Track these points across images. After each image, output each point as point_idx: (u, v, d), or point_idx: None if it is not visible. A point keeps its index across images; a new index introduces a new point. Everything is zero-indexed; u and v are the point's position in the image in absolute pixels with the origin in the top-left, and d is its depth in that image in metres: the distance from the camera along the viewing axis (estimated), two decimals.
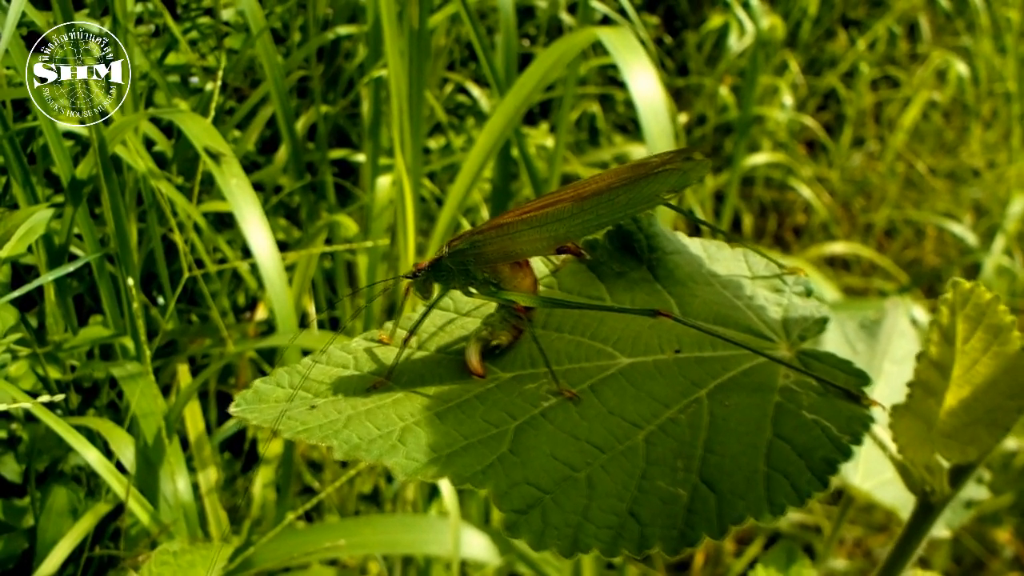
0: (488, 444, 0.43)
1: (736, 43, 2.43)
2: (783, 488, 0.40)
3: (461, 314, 0.54)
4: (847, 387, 0.45)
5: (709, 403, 0.45)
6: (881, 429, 0.50)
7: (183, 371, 1.36)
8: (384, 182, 1.58)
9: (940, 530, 0.74)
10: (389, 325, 0.53)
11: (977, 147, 2.64)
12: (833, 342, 0.84)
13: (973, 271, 2.22)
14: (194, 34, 1.75)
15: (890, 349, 0.84)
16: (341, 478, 1.13)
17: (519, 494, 0.41)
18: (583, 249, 0.55)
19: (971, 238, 2.19)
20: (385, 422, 0.45)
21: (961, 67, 2.60)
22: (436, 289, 0.54)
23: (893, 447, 0.48)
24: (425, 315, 0.52)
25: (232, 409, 0.47)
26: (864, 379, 0.46)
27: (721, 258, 0.55)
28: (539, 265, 0.56)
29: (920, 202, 2.50)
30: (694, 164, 0.50)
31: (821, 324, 0.50)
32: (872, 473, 0.79)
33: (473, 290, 0.53)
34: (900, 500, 0.76)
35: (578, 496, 0.41)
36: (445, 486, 1.18)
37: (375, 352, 0.52)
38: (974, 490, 0.77)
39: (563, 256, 0.56)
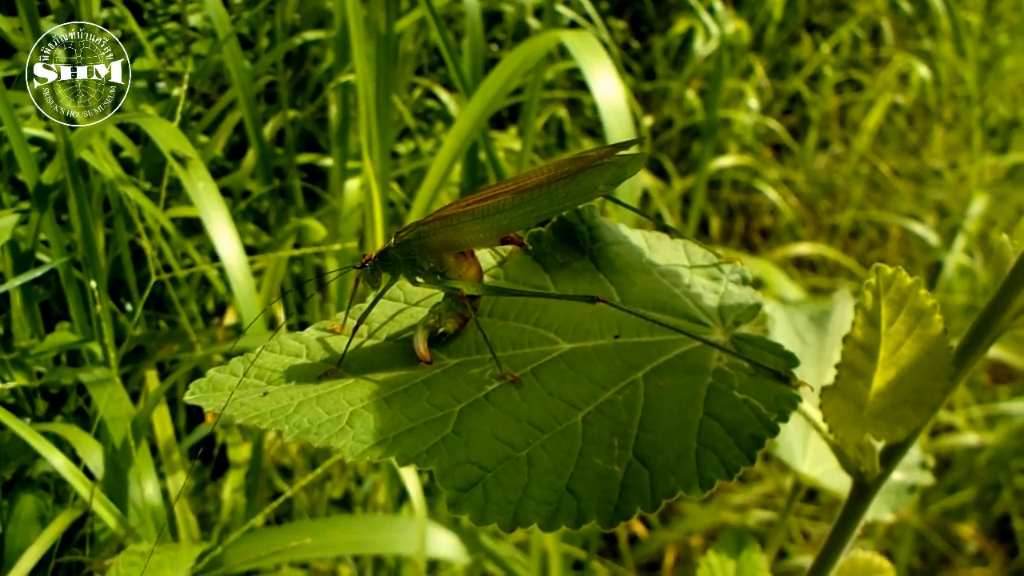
0: (433, 426, 0.45)
1: (702, 47, 2.46)
2: (712, 463, 0.42)
3: (410, 304, 0.56)
4: (776, 368, 0.47)
5: (645, 385, 0.47)
6: (817, 413, 0.52)
7: (151, 377, 1.36)
8: (353, 186, 1.59)
9: (882, 513, 0.76)
10: (340, 315, 0.55)
11: (939, 149, 2.68)
12: (783, 335, 0.87)
13: (935, 270, 2.25)
14: (161, 40, 1.75)
15: (839, 339, 0.86)
16: (309, 478, 1.14)
17: (462, 473, 0.43)
18: (526, 240, 0.57)
19: (933, 238, 2.23)
20: (335, 407, 0.47)
21: (923, 70, 2.64)
22: (384, 278, 0.55)
23: (825, 427, 0.50)
24: (373, 304, 0.54)
25: (187, 397, 0.48)
26: (792, 360, 0.48)
27: (661, 248, 0.57)
28: (487, 256, 0.58)
29: (884, 203, 2.54)
30: (631, 157, 0.52)
31: (755, 310, 0.52)
32: (819, 460, 0.82)
33: (420, 279, 0.55)
34: (844, 486, 0.78)
35: (518, 474, 0.43)
36: (412, 487, 1.19)
37: (327, 341, 0.54)
38: (918, 474, 0.79)
39: (509, 247, 0.58)
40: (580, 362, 0.49)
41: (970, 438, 1.83)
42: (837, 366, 0.47)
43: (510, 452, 0.44)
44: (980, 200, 2.19)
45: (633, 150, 0.53)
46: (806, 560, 1.80)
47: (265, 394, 0.48)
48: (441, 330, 0.52)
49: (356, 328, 0.52)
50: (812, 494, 1.87)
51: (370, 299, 0.54)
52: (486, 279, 0.55)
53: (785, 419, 0.44)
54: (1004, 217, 2.46)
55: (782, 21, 2.78)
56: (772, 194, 2.40)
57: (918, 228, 2.28)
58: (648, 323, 0.50)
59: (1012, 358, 1.90)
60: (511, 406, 0.46)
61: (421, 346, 0.50)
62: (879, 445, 0.52)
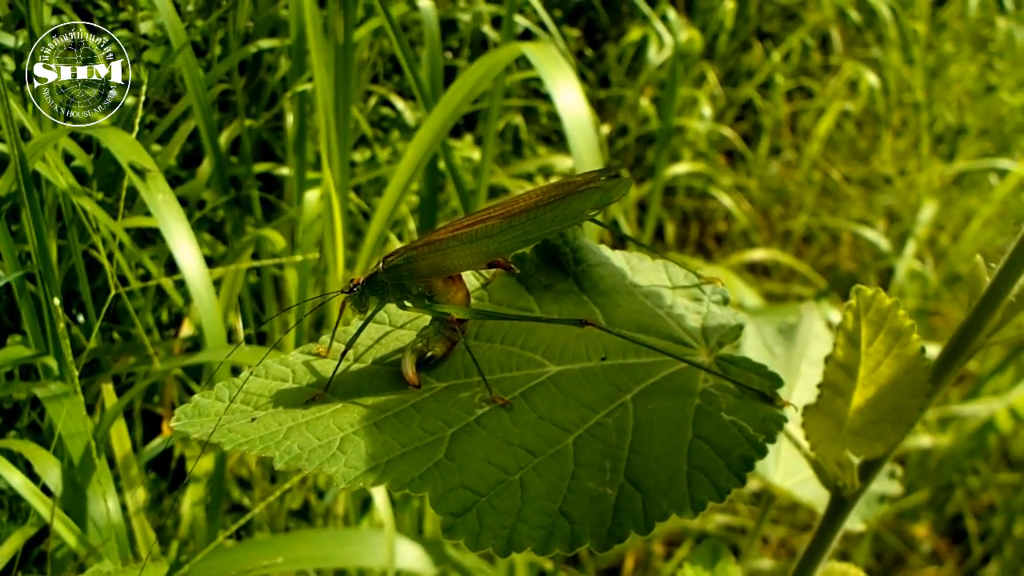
0: (425, 451, 0.45)
1: (656, 56, 2.48)
2: (704, 485, 0.43)
3: (396, 327, 0.56)
4: (762, 389, 0.48)
5: (634, 407, 0.48)
6: (796, 428, 0.53)
7: (108, 390, 1.34)
8: (312, 196, 1.58)
9: (855, 523, 0.77)
10: (326, 339, 0.55)
11: (888, 155, 2.73)
12: (752, 347, 0.88)
13: (887, 275, 2.30)
14: (112, 48, 1.72)
15: (807, 352, 0.88)
16: (273, 494, 1.13)
17: (456, 498, 0.43)
18: (512, 263, 0.57)
19: (884, 243, 2.27)
20: (325, 432, 0.47)
21: (872, 78, 2.69)
22: (372, 303, 0.55)
23: (807, 445, 0.51)
24: (362, 328, 0.54)
25: (172, 424, 0.48)
26: (777, 381, 0.49)
27: (643, 269, 0.58)
28: (471, 279, 0.58)
29: (835, 209, 2.58)
30: (616, 182, 0.53)
31: (737, 331, 0.52)
32: (792, 472, 0.83)
33: (408, 304, 0.55)
34: (818, 496, 0.80)
35: (512, 498, 0.43)
36: (379, 497, 1.19)
37: (313, 365, 0.53)
38: (887, 484, 0.81)
39: (494, 270, 0.58)
40: (569, 385, 0.50)
41: (923, 440, 1.87)
42: (819, 385, 0.48)
43: (503, 476, 0.44)
44: (929, 206, 2.23)
45: (623, 174, 0.54)
46: (764, 563, 1.82)
47: (253, 420, 0.48)
48: (429, 354, 0.52)
49: (345, 352, 0.52)
50: (761, 494, 1.89)
51: (355, 323, 0.54)
52: (472, 302, 0.56)
53: (773, 440, 0.45)
54: (952, 222, 2.52)
55: (733, 30, 2.81)
56: (726, 200, 2.43)
57: (869, 234, 2.32)
58: (634, 345, 0.51)
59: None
60: (502, 430, 0.47)
61: (410, 370, 0.50)
62: (857, 461, 0.54)
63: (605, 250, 0.59)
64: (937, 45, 3.01)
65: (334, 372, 0.51)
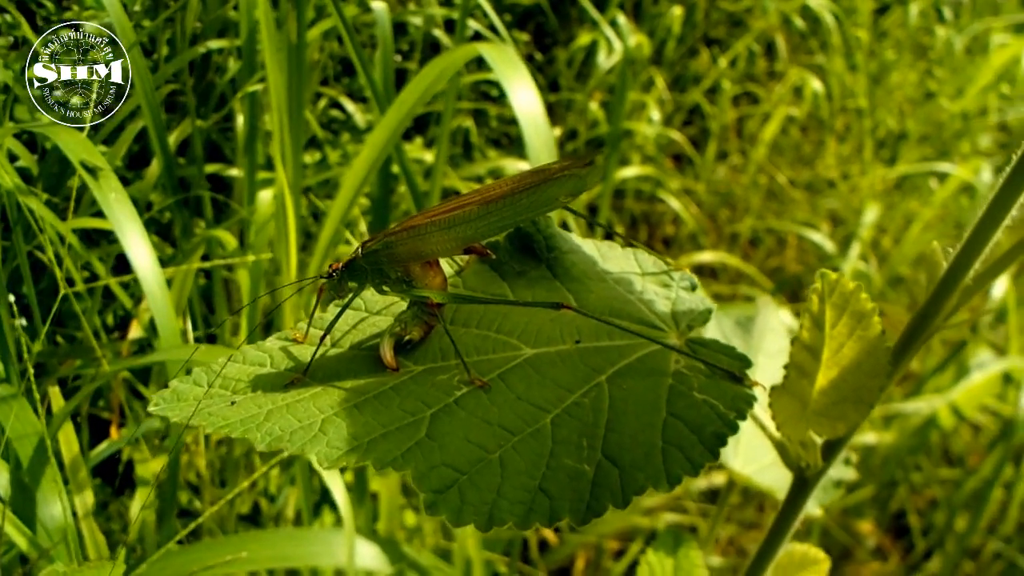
0: (406, 431, 0.46)
1: (605, 60, 2.51)
2: (679, 460, 0.44)
3: (372, 313, 0.57)
4: (731, 370, 0.50)
5: (609, 387, 0.49)
6: (760, 411, 0.54)
7: (55, 393, 1.32)
8: (265, 197, 1.57)
9: (813, 508, 0.80)
10: (302, 325, 0.55)
11: (832, 160, 2.79)
12: (712, 338, 0.90)
13: None
14: (56, 47, 1.70)
15: (763, 344, 0.91)
16: (229, 497, 1.13)
17: (437, 475, 0.44)
18: (487, 249, 0.58)
19: (829, 246, 2.32)
20: (306, 414, 0.47)
21: (816, 84, 2.74)
22: (351, 288, 0.56)
23: (772, 426, 0.52)
24: (341, 312, 0.54)
25: (152, 408, 0.48)
26: (746, 362, 0.50)
27: (613, 256, 0.59)
28: (444, 266, 0.59)
29: (781, 212, 2.63)
30: (590, 170, 0.54)
31: (706, 315, 0.54)
32: (752, 459, 0.85)
33: (386, 288, 0.55)
34: (777, 482, 0.82)
35: (492, 475, 0.44)
36: (339, 495, 1.19)
37: (290, 350, 0.54)
38: (843, 470, 0.83)
39: (467, 256, 0.59)
40: (545, 367, 0.51)
41: (868, 437, 1.92)
42: (785, 367, 0.50)
43: (483, 455, 0.45)
44: (872, 209, 2.28)
45: (598, 160, 0.55)
46: (714, 560, 1.85)
47: (233, 403, 0.48)
48: (407, 338, 0.53)
49: (324, 337, 0.53)
50: (714, 492, 1.92)
51: (332, 308, 0.55)
52: (447, 287, 0.56)
53: (743, 417, 0.46)
54: (894, 225, 2.58)
55: (681, 35, 2.85)
56: (674, 203, 2.46)
57: (815, 236, 2.36)
58: (607, 328, 0.52)
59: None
60: (481, 410, 0.47)
61: (388, 353, 0.51)
62: (820, 441, 0.55)
63: (576, 238, 0.60)
64: (879, 52, 3.08)
65: (313, 356, 0.52)
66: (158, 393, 0.49)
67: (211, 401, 0.49)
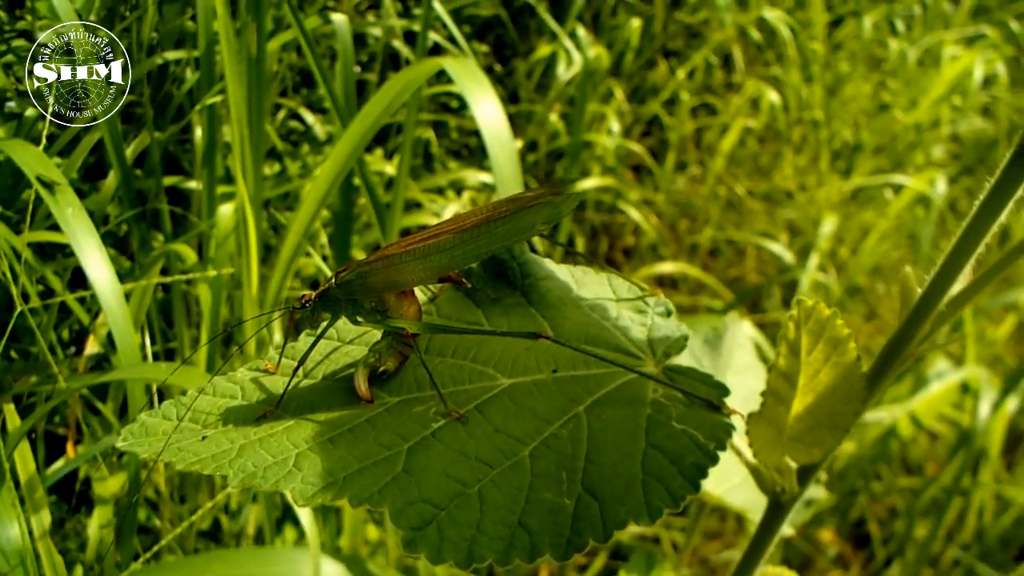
0: (382, 465, 0.45)
1: (564, 72, 2.51)
2: (659, 492, 0.44)
3: (345, 343, 0.56)
4: (709, 398, 0.50)
5: (587, 418, 0.48)
6: (735, 436, 0.54)
7: (10, 411, 1.30)
8: (226, 210, 1.55)
9: (786, 529, 0.80)
10: (274, 355, 0.54)
11: (789, 171, 2.82)
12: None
13: (791, 287, 2.36)
14: (10, 57, 1.67)
15: (732, 362, 0.91)
16: (194, 518, 1.11)
17: (415, 511, 0.43)
18: (462, 276, 0.58)
19: (788, 256, 2.34)
20: (279, 449, 0.46)
21: (773, 96, 2.77)
22: (324, 319, 0.55)
23: (748, 452, 0.52)
24: (315, 343, 0.53)
25: (120, 444, 0.46)
26: (724, 391, 0.50)
27: (587, 283, 0.59)
28: (417, 293, 0.58)
29: (740, 223, 2.65)
30: (564, 198, 0.54)
31: (682, 342, 0.54)
32: (723, 479, 0.85)
33: (360, 319, 0.54)
34: (749, 502, 0.82)
35: (471, 510, 0.43)
36: (304, 515, 1.17)
37: (262, 382, 0.53)
38: (814, 489, 0.84)
39: (441, 284, 0.58)
40: (522, 397, 0.50)
41: None
42: (762, 393, 0.50)
43: (461, 489, 0.44)
44: (829, 220, 2.31)
45: (569, 191, 0.55)
46: (683, 572, 1.85)
47: (203, 438, 0.47)
48: (382, 368, 0.52)
49: (297, 368, 0.52)
50: (685, 507, 1.92)
51: (304, 338, 0.54)
52: (422, 316, 0.56)
53: (723, 447, 0.46)
54: (851, 236, 2.61)
55: (639, 47, 2.87)
56: (634, 214, 2.47)
57: (774, 247, 2.38)
58: (584, 357, 0.52)
59: None
60: (459, 443, 0.47)
61: (362, 385, 0.50)
62: (795, 466, 0.55)
63: (550, 264, 0.59)
64: (834, 64, 3.12)
65: (285, 388, 0.51)
66: (126, 428, 0.48)
67: (181, 436, 0.47)
